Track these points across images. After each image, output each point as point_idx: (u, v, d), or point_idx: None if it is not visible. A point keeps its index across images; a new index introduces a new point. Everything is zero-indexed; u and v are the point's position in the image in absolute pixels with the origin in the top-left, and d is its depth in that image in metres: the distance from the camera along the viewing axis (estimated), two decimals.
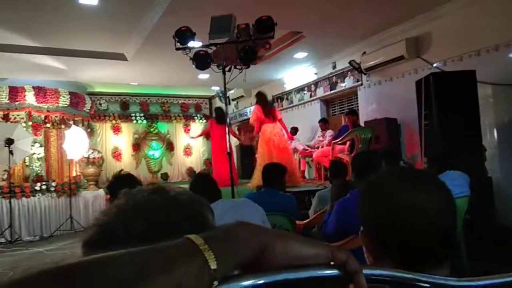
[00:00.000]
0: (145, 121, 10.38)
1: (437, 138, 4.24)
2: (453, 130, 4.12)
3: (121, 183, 2.21)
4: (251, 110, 9.57)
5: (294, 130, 7.78)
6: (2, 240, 6.26)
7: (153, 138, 10.51)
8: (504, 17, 4.50)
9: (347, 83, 7.22)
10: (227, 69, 4.50)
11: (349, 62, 6.59)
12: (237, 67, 4.51)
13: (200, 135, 8.76)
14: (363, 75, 6.68)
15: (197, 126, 11.05)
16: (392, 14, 5.32)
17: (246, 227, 0.43)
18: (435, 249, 0.71)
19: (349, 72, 7.07)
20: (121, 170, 2.64)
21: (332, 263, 0.44)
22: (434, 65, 5.31)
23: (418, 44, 5.60)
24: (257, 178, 5.94)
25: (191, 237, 0.41)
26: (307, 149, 7.42)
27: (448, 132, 4.15)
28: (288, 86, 8.86)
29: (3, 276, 4.27)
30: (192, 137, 9.57)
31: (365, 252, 0.79)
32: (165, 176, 10.28)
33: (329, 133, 7.19)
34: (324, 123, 7.34)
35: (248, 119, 9.69)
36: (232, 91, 9.73)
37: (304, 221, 3.47)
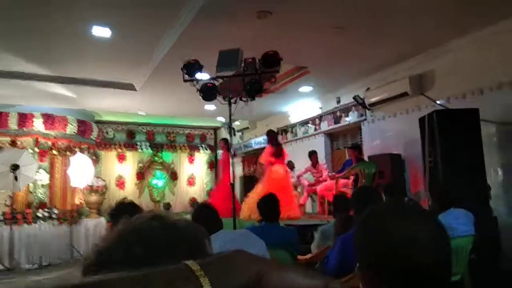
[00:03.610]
0: (150, 150, 10.45)
1: (441, 175, 4.22)
2: (457, 168, 4.11)
3: (123, 211, 2.21)
4: (255, 142, 9.67)
5: (290, 166, 7.80)
6: (1, 267, 6.18)
7: (158, 167, 10.54)
8: (507, 55, 4.57)
9: (351, 118, 7.29)
10: (233, 101, 4.57)
11: (354, 97, 6.68)
12: (243, 99, 4.59)
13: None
14: (367, 110, 6.75)
15: (202, 157, 11.10)
16: (396, 51, 5.45)
17: (243, 255, 0.44)
18: (427, 285, 0.71)
19: (353, 107, 7.15)
20: (125, 198, 2.64)
21: None
22: (438, 102, 5.36)
23: (421, 81, 5.68)
24: (245, 210, 6.01)
25: (188, 263, 0.42)
26: (312, 184, 7.36)
27: (452, 169, 4.14)
28: (292, 119, 8.95)
29: None
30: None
31: (361, 286, 0.79)
32: (167, 206, 10.22)
33: (324, 166, 7.24)
34: (316, 156, 7.33)
35: (253, 150, 9.79)
36: (237, 122, 9.83)
37: (306, 256, 3.41)
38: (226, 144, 7.47)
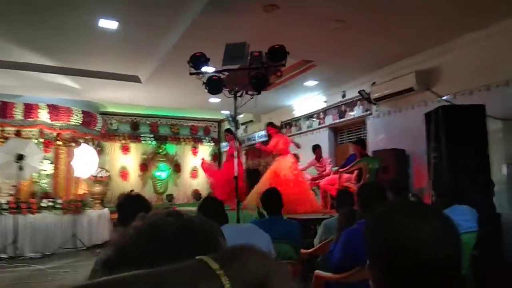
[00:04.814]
0: (154, 142, 10.48)
1: (446, 171, 4.22)
2: (461, 164, 4.11)
3: (131, 203, 2.23)
4: (259, 135, 9.69)
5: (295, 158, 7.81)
6: (4, 255, 6.25)
7: (161, 159, 10.58)
8: None
9: (356, 112, 7.28)
10: (238, 94, 4.58)
11: (359, 92, 6.67)
12: (249, 93, 4.59)
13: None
14: (372, 105, 6.74)
15: (205, 149, 11.12)
16: (402, 47, 5.43)
17: (257, 253, 0.46)
18: (437, 282, 0.72)
19: (358, 102, 7.14)
20: (132, 190, 2.67)
21: None
22: (444, 98, 5.35)
23: (428, 77, 5.66)
24: (249, 198, 6.12)
25: (206, 260, 0.43)
26: (315, 178, 7.39)
27: (457, 165, 4.14)
28: (297, 113, 8.95)
29: None
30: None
31: (371, 285, 0.81)
32: (170, 197, 10.27)
33: (328, 160, 7.27)
34: (320, 150, 7.35)
35: (266, 141, 9.84)
36: (241, 116, 9.82)
37: (309, 250, 3.44)
38: (231, 133, 7.54)
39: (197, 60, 4.34)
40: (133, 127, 10.37)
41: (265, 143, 7.56)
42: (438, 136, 4.43)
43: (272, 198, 3.19)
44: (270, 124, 7.21)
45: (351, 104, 7.36)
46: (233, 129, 5.93)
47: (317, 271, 2.45)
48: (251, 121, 10.12)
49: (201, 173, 10.90)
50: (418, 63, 5.75)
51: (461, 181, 3.75)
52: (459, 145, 4.21)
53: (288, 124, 9.27)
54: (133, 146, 10.31)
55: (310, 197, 6.46)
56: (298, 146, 7.27)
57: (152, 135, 10.50)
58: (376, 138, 6.71)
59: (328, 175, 6.99)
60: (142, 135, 10.40)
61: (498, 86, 4.74)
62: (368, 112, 6.95)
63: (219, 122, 11.45)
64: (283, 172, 6.49)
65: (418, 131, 5.12)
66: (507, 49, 4.63)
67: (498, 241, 4.08)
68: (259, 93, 4.57)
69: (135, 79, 6.96)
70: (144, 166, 10.33)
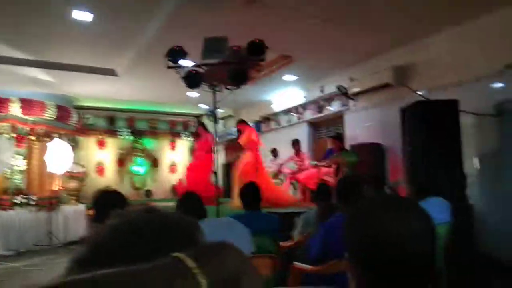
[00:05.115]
0: (131, 137, 10.32)
1: (420, 165, 4.33)
2: (435, 157, 4.23)
3: (108, 199, 2.19)
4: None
5: (275, 153, 7.84)
6: None
7: (139, 154, 10.44)
8: (485, 49, 4.71)
9: (334, 107, 7.36)
10: (217, 88, 4.55)
11: (337, 87, 6.73)
12: (228, 87, 4.57)
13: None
14: (350, 100, 6.82)
15: (184, 144, 11.03)
16: (379, 42, 5.51)
17: (234, 252, 0.46)
18: (415, 275, 0.74)
19: (336, 97, 7.21)
20: (107, 186, 2.62)
21: None
22: (419, 93, 5.46)
23: (404, 73, 5.78)
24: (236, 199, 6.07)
25: (183, 258, 0.43)
26: (294, 172, 7.41)
27: (431, 159, 4.25)
28: (276, 108, 8.97)
29: None
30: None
31: (349, 278, 0.82)
32: (148, 193, 10.16)
33: (306, 155, 7.32)
34: (298, 145, 7.40)
35: (235, 138, 9.80)
36: (220, 110, 9.77)
37: (288, 243, 3.47)
38: (204, 127, 7.56)
39: (175, 54, 4.28)
40: (109, 122, 10.17)
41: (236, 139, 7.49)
42: (413, 131, 4.54)
43: (251, 192, 3.20)
44: (241, 122, 7.13)
45: (330, 99, 7.44)
46: (209, 125, 5.89)
47: (295, 263, 2.47)
48: (230, 115, 10.09)
49: (180, 168, 10.84)
50: (395, 59, 5.85)
51: (435, 174, 3.86)
52: (434, 139, 4.32)
53: (267, 118, 9.28)
54: (109, 141, 10.11)
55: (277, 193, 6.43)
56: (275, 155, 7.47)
57: (129, 130, 10.33)
58: (353, 133, 6.81)
59: (307, 169, 7.06)
60: (119, 130, 10.22)
61: (470, 81, 4.88)
62: (346, 107, 7.04)
63: (198, 117, 11.36)
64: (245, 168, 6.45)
65: (394, 126, 5.24)
66: (478, 46, 4.78)
67: (470, 231, 4.23)
68: (238, 87, 4.55)
69: (111, 72, 6.82)
70: (121, 161, 10.17)
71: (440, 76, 5.23)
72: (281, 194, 6.54)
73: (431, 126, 4.39)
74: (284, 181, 7.53)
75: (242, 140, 6.72)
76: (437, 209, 2.97)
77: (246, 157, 6.52)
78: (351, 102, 6.88)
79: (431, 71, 5.40)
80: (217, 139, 5.31)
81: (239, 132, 7.11)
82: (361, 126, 6.71)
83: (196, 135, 7.84)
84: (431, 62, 5.39)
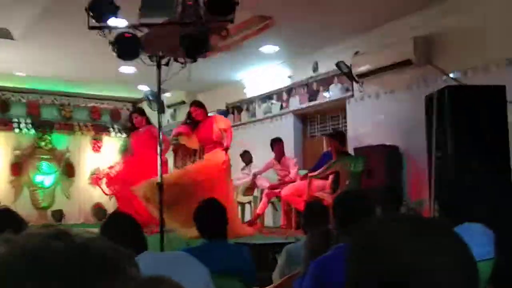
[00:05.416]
0: (33, 131, 10.13)
1: (453, 176, 4.42)
2: (474, 165, 4.31)
3: None
4: None
5: (247, 159, 7.85)
6: None
7: (44, 156, 10.25)
8: None
9: (332, 93, 7.43)
10: (163, 61, 4.52)
11: (336, 64, 6.79)
12: (179, 60, 4.54)
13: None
14: (354, 83, 6.91)
15: (113, 142, 10.86)
16: (396, 2, 5.59)
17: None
18: None
19: (335, 78, 7.29)
20: None
21: None
22: (451, 75, 5.58)
23: (429, 46, 5.89)
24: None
25: None
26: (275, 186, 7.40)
27: (468, 167, 4.34)
28: (249, 92, 9.01)
29: None
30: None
31: None
32: (58, 215, 9.98)
33: (293, 160, 7.33)
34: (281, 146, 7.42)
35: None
36: (168, 94, 9.71)
37: None
38: (143, 114, 7.42)
39: (101, 8, 4.23)
40: (0, 108, 9.94)
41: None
42: (443, 128, 4.62)
43: (211, 214, 3.18)
44: (196, 104, 6.66)
45: (326, 81, 7.50)
46: (151, 115, 5.73)
47: None
48: (182, 102, 10.01)
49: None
50: (417, 26, 5.94)
51: (474, 189, 3.94)
52: (471, 139, 4.42)
53: (237, 107, 9.28)
54: (0, 136, 9.87)
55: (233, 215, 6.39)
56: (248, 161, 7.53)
57: (29, 120, 10.15)
58: (359, 130, 6.89)
59: (293, 181, 7.09)
60: (14, 120, 10.02)
61: None
62: (349, 93, 7.12)
63: (134, 103, 11.24)
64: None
65: (416, 121, 5.33)
66: None
67: None
68: (194, 60, 4.54)
69: (4, 33, 6.67)
70: (17, 168, 9.95)
71: (481, 51, 5.34)
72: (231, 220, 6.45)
73: (467, 121, 4.49)
74: (260, 199, 7.53)
75: (201, 135, 6.50)
76: (476, 240, 3.03)
77: (214, 156, 6.35)
78: (355, 86, 6.96)
79: (468, 44, 5.52)
80: (161, 136, 5.21)
81: (192, 119, 6.58)
82: (369, 120, 6.80)
83: (131, 128, 7.65)
84: (468, 32, 5.50)
